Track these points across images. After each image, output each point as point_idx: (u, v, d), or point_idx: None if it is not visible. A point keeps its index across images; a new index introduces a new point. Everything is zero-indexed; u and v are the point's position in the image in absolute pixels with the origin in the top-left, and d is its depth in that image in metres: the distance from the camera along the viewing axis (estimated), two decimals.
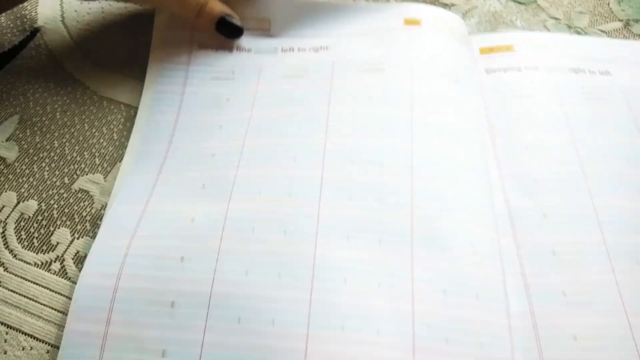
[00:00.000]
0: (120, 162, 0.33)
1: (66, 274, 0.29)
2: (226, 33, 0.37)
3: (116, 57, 0.38)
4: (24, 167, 0.33)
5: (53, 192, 0.32)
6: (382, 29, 0.38)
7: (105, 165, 0.33)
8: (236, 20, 0.37)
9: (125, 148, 0.33)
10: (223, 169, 0.32)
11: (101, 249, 0.29)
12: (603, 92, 0.37)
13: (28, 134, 0.34)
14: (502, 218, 0.31)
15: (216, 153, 0.32)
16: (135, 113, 0.35)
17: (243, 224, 0.29)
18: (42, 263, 0.30)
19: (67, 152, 0.34)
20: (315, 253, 0.28)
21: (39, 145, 0.34)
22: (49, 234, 0.31)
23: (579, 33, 0.41)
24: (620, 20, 0.42)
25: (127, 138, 0.34)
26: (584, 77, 0.37)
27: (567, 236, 0.30)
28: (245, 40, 0.38)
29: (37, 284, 0.29)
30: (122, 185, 0.32)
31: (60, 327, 0.28)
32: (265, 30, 0.38)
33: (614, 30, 0.41)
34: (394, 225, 0.29)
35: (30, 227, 0.31)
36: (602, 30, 0.41)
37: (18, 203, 0.32)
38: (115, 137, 0.34)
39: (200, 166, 0.32)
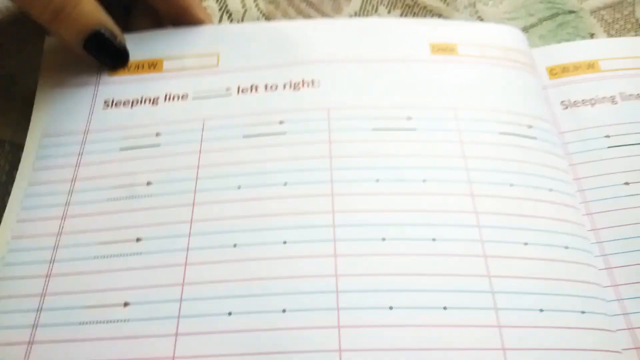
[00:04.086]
0: None
1: None
2: (99, 56, 0.24)
3: None
4: None
5: None
6: (397, 58, 0.25)
7: None
8: (119, 39, 0.24)
9: (6, 206, 0.23)
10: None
11: None
12: None
13: None
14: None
15: (130, 302, 0.20)
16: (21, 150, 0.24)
17: None
18: None
19: None
20: None
21: None
22: None
23: None
24: None
25: (7, 194, 0.23)
26: None
27: None
28: (177, 83, 0.25)
29: None
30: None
31: None
32: (212, 67, 0.26)
33: None
34: None
35: None
36: None
37: None
38: None
39: None
